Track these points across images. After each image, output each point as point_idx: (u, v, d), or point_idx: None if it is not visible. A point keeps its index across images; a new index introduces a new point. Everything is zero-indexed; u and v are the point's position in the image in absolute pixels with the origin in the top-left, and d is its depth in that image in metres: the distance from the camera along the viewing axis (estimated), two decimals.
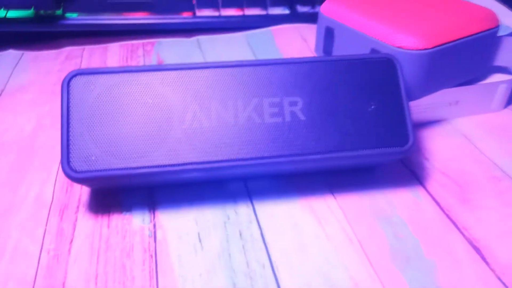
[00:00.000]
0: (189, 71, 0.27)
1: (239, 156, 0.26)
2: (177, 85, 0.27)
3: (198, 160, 0.26)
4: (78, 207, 0.29)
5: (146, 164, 0.25)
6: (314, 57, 0.28)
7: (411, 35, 0.30)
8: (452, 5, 0.35)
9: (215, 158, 0.26)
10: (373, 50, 0.33)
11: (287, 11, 0.57)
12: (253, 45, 0.52)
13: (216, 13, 0.55)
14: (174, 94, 0.27)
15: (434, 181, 0.32)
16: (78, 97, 0.26)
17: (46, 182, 0.31)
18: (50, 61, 0.48)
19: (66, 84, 0.26)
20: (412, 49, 0.30)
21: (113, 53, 0.50)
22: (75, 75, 0.26)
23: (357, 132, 0.27)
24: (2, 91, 0.42)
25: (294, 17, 0.56)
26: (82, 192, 0.30)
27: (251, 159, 0.26)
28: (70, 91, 0.26)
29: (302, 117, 0.27)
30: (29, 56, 0.49)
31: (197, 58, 0.49)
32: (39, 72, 0.46)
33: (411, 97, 0.32)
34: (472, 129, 0.37)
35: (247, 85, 0.27)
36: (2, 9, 0.45)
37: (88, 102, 0.26)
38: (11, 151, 0.34)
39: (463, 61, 0.33)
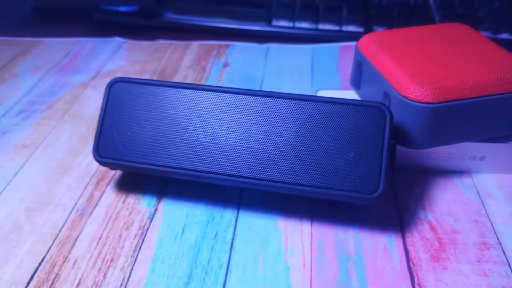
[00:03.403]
0: (199, 91, 0.32)
1: (221, 171, 0.31)
2: (187, 102, 0.32)
3: (188, 167, 0.31)
4: (110, 181, 0.37)
5: (150, 162, 0.32)
6: (309, 95, 0.31)
7: (418, 87, 0.31)
8: (492, 59, 0.33)
9: (202, 168, 0.31)
10: (385, 94, 0.34)
11: (361, 29, 0.57)
12: (315, 59, 0.54)
13: (290, 24, 0.58)
14: (184, 109, 0.32)
15: (418, 232, 0.32)
16: (114, 99, 0.33)
17: None
18: (141, 52, 0.57)
19: (108, 87, 0.34)
20: (416, 101, 0.31)
21: (192, 51, 0.57)
22: (116, 81, 0.34)
23: (331, 172, 0.30)
24: (98, 72, 0.53)
25: None
26: (117, 170, 0.38)
27: (231, 175, 0.31)
28: (110, 94, 0.33)
29: (283, 148, 0.30)
30: (129, 45, 0.59)
31: (259, 66, 0.53)
32: (129, 60, 0.55)
33: (414, 146, 0.33)
34: (492, 189, 0.35)
35: (242, 111, 0.31)
36: None
37: (120, 104, 0.33)
38: (85, 124, 0.44)
39: (479, 120, 0.32)
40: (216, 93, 0.32)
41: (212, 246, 0.31)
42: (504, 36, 0.54)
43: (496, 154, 0.35)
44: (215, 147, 0.31)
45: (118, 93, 0.33)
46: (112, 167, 0.34)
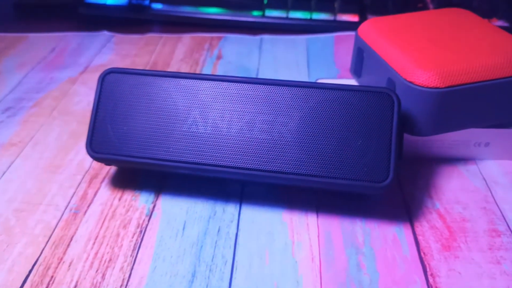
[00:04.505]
0: (198, 81, 0.31)
1: (224, 163, 0.29)
2: (186, 92, 0.31)
3: (189, 160, 0.30)
4: (104, 178, 0.35)
5: (148, 156, 0.30)
6: (314, 82, 0.30)
7: (424, 72, 0.30)
8: (495, 42, 0.33)
9: (203, 161, 0.30)
10: (389, 80, 0.33)
11: (356, 19, 0.56)
12: (310, 49, 0.53)
13: (284, 15, 0.57)
14: (182, 100, 0.31)
15: (426, 221, 0.31)
16: (108, 91, 0.32)
17: None
18: (131, 45, 0.55)
19: (101, 79, 0.32)
20: (423, 86, 0.30)
21: (183, 43, 0.55)
22: (109, 72, 0.32)
23: (339, 161, 0.28)
24: (87, 67, 0.51)
25: None
26: (112, 166, 0.36)
27: (235, 167, 0.29)
28: (103, 86, 0.32)
29: (289, 137, 0.29)
30: (117, 39, 0.57)
31: (254, 57, 0.52)
32: (118, 54, 0.53)
33: (420, 133, 0.32)
34: (497, 175, 0.35)
35: (244, 100, 0.30)
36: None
37: (114, 96, 0.32)
38: (75, 120, 0.42)
39: (486, 104, 0.31)
40: (217, 82, 0.31)
41: (216, 242, 0.30)
42: (499, 23, 0.54)
43: (501, 140, 0.35)
44: (216, 138, 0.30)
45: (112, 85, 0.32)
46: (107, 162, 0.32)
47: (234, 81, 0.30)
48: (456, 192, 0.33)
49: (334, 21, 0.56)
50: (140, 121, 0.31)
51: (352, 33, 0.56)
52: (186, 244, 0.30)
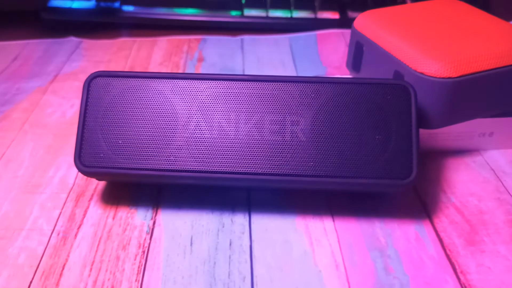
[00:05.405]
0: (197, 81, 0.28)
1: (233, 169, 0.27)
2: (185, 94, 0.28)
3: (194, 169, 0.27)
4: (92, 195, 0.32)
5: (147, 167, 0.27)
6: (323, 77, 0.28)
7: (435, 61, 0.29)
8: (496, 30, 0.32)
9: (210, 169, 0.27)
10: (396, 73, 0.31)
11: (336, 16, 0.55)
12: (294, 48, 0.51)
13: (263, 14, 0.55)
14: (181, 102, 0.28)
15: (445, 216, 0.30)
16: (95, 97, 0.28)
17: (71, 167, 0.34)
18: (103, 51, 0.51)
19: (87, 84, 0.28)
20: (435, 77, 0.29)
21: (160, 47, 0.52)
22: (96, 77, 0.29)
23: (358, 159, 0.27)
24: (56, 75, 0.47)
25: (343, 23, 0.55)
26: (100, 182, 0.33)
27: (245, 173, 0.27)
28: (90, 91, 0.28)
29: (302, 137, 0.27)
30: (87, 44, 0.53)
31: (237, 58, 0.50)
32: (90, 61, 0.49)
33: (432, 126, 0.31)
34: (504, 165, 0.34)
35: (251, 100, 0.28)
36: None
37: (104, 102, 0.28)
38: (51, 133, 0.38)
39: (495, 92, 0.31)
40: (218, 81, 0.28)
41: (229, 257, 0.27)
42: None
43: (504, 129, 0.34)
44: (223, 143, 0.27)
45: (100, 90, 0.28)
46: (100, 177, 0.29)
47: (237, 80, 0.28)
48: (468, 184, 0.33)
49: (315, 19, 0.55)
50: (136, 128, 0.28)
51: (334, 30, 0.55)
52: (197, 261, 0.27)
